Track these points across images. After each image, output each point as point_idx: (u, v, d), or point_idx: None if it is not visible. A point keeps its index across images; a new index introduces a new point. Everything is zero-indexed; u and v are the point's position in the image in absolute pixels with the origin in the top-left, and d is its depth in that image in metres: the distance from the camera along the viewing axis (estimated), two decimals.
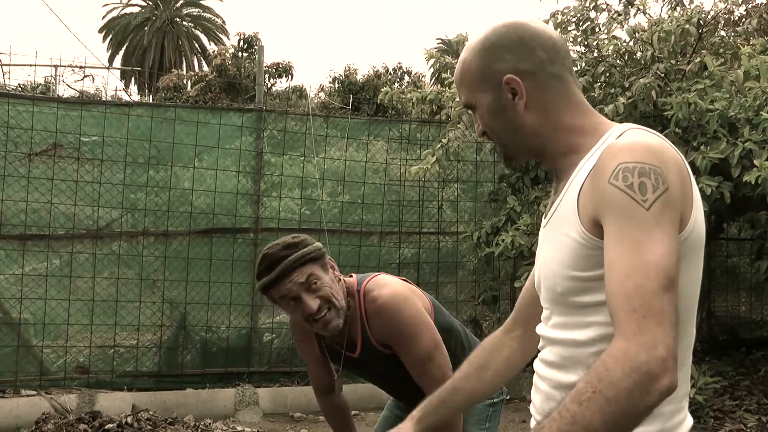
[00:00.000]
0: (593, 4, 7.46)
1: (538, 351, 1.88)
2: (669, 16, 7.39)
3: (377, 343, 2.91)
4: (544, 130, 1.76)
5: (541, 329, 1.84)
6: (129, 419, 6.37)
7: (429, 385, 2.83)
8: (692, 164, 6.11)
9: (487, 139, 1.90)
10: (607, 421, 1.39)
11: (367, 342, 2.93)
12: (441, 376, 2.84)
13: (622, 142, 1.57)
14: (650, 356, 1.38)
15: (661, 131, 6.52)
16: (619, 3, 7.51)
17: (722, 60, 6.95)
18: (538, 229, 6.60)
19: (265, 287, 2.78)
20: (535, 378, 1.84)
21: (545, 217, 1.83)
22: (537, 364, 1.83)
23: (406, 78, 28.17)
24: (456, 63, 1.89)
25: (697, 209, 1.60)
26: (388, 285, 2.92)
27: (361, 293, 2.92)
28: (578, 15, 7.51)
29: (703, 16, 7.07)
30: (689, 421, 1.70)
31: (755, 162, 5.77)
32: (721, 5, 7.52)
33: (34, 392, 6.95)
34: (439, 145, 7.42)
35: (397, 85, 24.55)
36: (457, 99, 1.94)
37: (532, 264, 6.93)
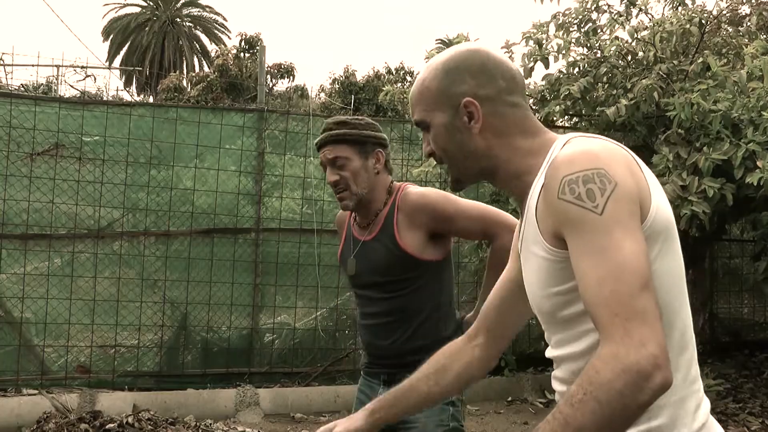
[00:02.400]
0: (595, 5, 7.44)
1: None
2: (671, 16, 7.38)
3: (399, 232, 3.07)
4: (495, 153, 1.79)
5: (549, 352, 1.82)
6: (130, 419, 6.37)
7: (498, 227, 3.06)
8: (695, 165, 6.11)
9: (434, 159, 1.91)
10: (599, 422, 1.40)
11: (386, 229, 3.11)
12: (501, 220, 3.06)
13: (562, 156, 1.58)
14: (640, 355, 1.38)
15: (663, 132, 6.55)
16: (621, 3, 7.50)
17: (725, 60, 6.94)
18: None
19: (315, 146, 3.22)
20: (556, 395, 1.83)
21: (519, 242, 1.85)
22: (552, 382, 1.83)
23: (408, 78, 28.20)
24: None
25: (657, 195, 1.59)
26: (427, 188, 3.22)
27: (401, 189, 3.17)
28: (580, 16, 7.49)
29: (705, 15, 7.06)
30: (706, 403, 1.70)
31: (758, 163, 5.76)
32: (723, 4, 7.52)
33: (36, 391, 6.94)
34: None
35: (399, 85, 24.58)
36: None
37: None
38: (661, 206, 1.59)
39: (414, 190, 3.14)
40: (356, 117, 3.21)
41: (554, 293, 1.65)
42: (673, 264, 1.63)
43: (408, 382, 2.19)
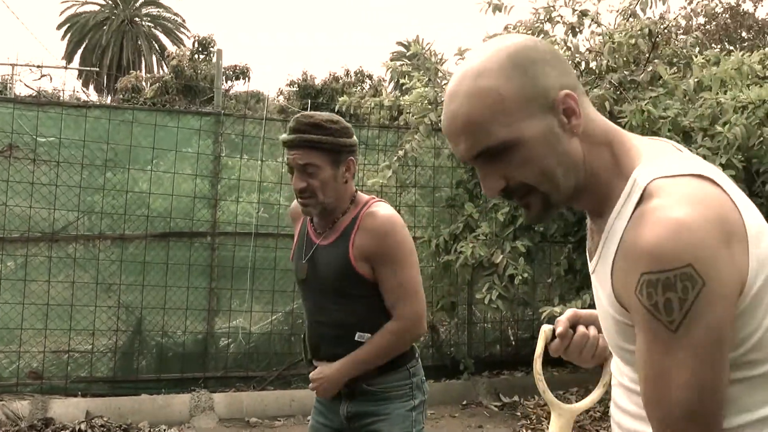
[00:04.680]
0: (547, 16, 7.52)
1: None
2: (620, 27, 7.47)
3: (353, 249, 2.97)
4: (588, 162, 1.50)
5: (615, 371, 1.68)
6: (82, 426, 6.32)
7: (401, 315, 2.99)
8: None
9: (505, 196, 1.54)
10: None
11: (343, 241, 3.01)
12: (418, 314, 3.00)
13: (644, 239, 1.33)
14: None
15: None
16: (573, 14, 7.58)
17: (675, 69, 7.07)
18: (497, 237, 6.56)
19: (282, 142, 3.03)
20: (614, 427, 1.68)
21: (590, 260, 1.61)
22: (614, 411, 1.67)
23: (368, 82, 28.23)
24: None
25: (758, 241, 1.37)
26: (394, 212, 3.07)
27: (368, 205, 3.06)
28: (532, 29, 7.56)
29: (656, 27, 7.17)
30: None
31: None
32: (671, 16, 7.65)
33: None
34: (395, 158, 7.46)
35: (357, 89, 24.63)
36: (462, 145, 1.46)
37: (491, 274, 6.93)
38: (763, 253, 1.37)
39: (382, 212, 3.01)
40: (331, 119, 3.00)
41: (623, 348, 1.51)
42: None
43: None
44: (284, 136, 2.99)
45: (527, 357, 8.88)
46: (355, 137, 3.07)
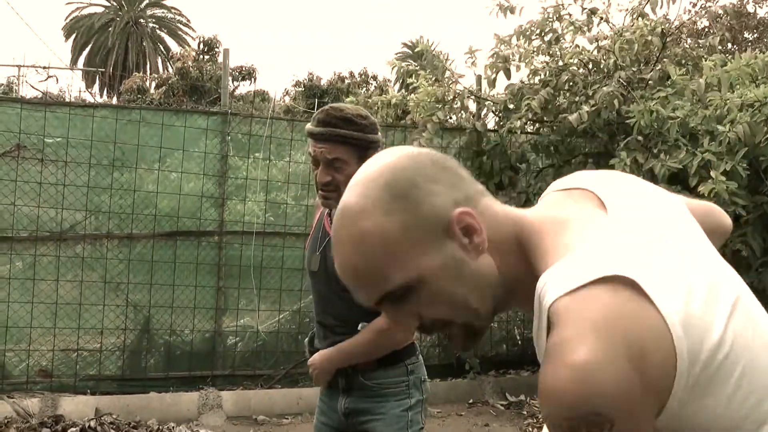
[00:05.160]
0: (556, 15, 7.54)
1: None
2: (633, 25, 7.50)
3: None
4: (503, 273, 1.34)
5: None
6: (92, 423, 6.34)
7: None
8: (651, 172, 6.21)
9: (424, 332, 1.41)
10: None
11: None
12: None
13: (546, 385, 1.17)
14: None
15: (624, 139, 6.64)
16: (582, 13, 7.61)
17: (684, 70, 7.08)
18: None
19: (308, 133, 2.92)
20: None
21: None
22: None
23: (373, 83, 28.26)
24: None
25: (684, 340, 1.17)
26: None
27: None
28: (542, 28, 7.59)
29: (666, 26, 7.19)
30: None
31: (711, 173, 5.86)
32: (685, 16, 7.67)
33: None
34: None
35: (363, 90, 24.64)
36: (361, 295, 1.32)
37: None
38: (697, 336, 1.19)
39: None
40: (360, 113, 2.91)
41: None
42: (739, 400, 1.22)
43: None
44: (311, 127, 2.89)
45: (533, 356, 8.87)
46: (380, 133, 2.98)
